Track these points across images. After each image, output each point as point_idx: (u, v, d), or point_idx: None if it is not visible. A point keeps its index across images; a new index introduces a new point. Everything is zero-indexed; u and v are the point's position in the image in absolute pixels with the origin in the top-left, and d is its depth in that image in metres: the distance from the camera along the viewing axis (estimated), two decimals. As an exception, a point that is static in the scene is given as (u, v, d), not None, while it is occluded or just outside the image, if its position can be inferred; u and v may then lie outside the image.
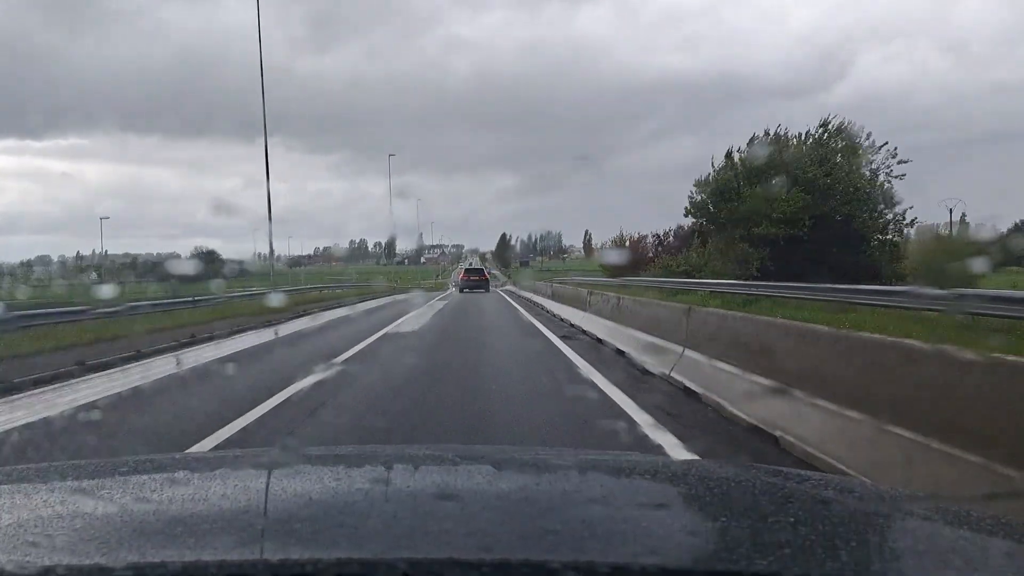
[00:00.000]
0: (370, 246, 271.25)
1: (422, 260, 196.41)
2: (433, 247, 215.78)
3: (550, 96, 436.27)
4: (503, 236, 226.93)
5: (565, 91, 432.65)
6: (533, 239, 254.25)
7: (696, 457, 4.44)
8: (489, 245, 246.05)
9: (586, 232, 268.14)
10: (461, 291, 40.86)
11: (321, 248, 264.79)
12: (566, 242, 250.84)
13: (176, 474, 1.55)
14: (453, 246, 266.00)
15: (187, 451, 4.72)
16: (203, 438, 5.31)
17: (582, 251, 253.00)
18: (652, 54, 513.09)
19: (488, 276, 50.29)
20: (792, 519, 1.17)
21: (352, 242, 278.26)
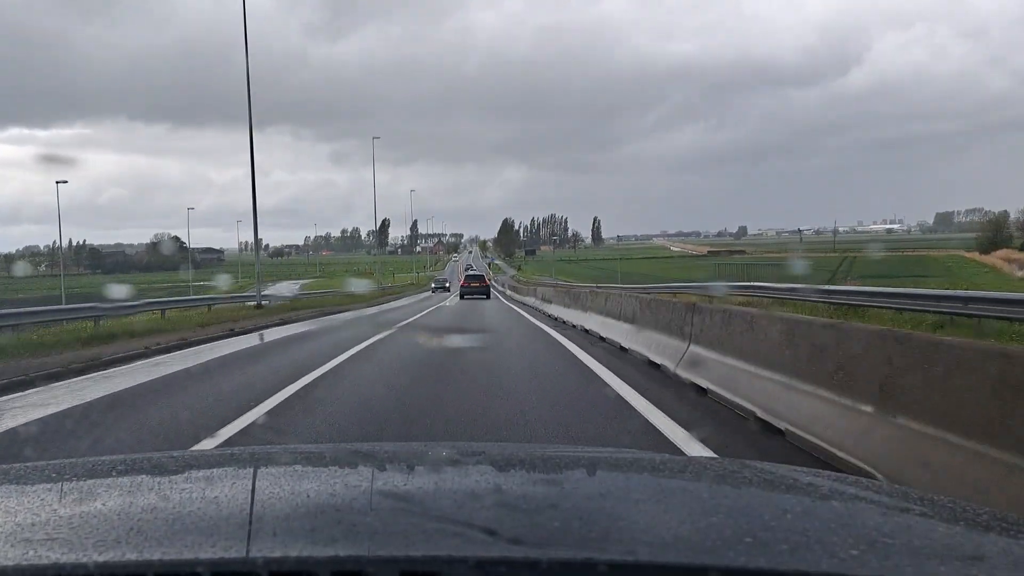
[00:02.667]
0: (363, 235, 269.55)
1: (417, 249, 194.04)
2: (429, 236, 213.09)
3: (562, 83, 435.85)
4: (505, 222, 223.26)
5: (578, 78, 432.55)
6: (536, 224, 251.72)
7: (698, 454, 4.48)
8: (490, 232, 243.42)
9: (595, 219, 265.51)
10: (462, 297, 42.80)
11: (312, 237, 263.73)
12: (571, 229, 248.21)
13: (173, 472, 1.61)
14: (452, 235, 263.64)
15: (186, 450, 4.76)
16: None
17: (591, 240, 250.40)
18: (668, 40, 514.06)
19: (490, 278, 50.72)
20: (791, 516, 1.21)
21: (344, 231, 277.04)
